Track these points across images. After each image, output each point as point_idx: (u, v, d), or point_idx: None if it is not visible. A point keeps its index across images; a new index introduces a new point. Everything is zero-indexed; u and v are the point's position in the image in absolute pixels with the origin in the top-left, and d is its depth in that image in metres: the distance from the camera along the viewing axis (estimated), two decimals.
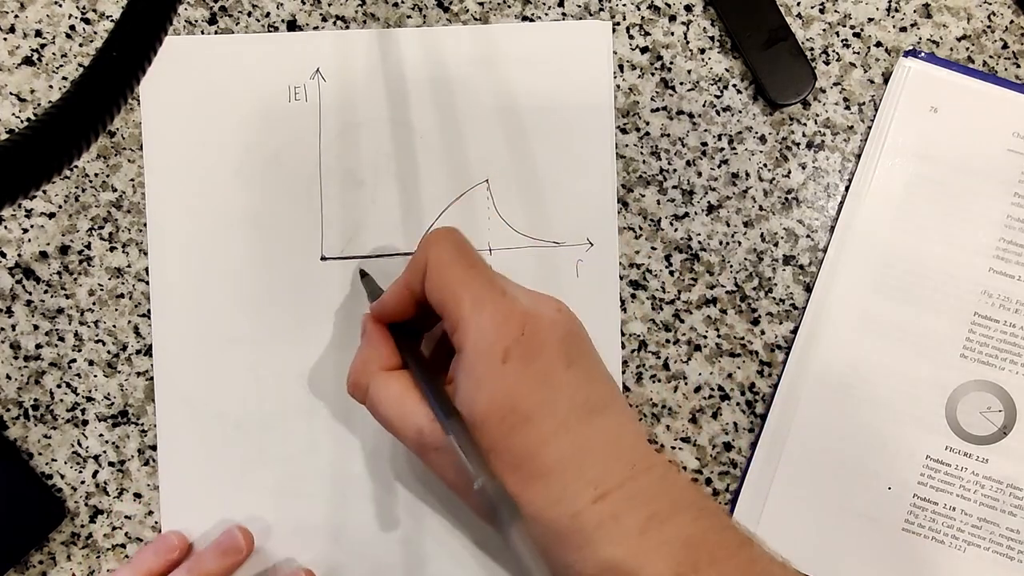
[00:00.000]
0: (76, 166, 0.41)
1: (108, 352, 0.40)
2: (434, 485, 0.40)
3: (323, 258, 0.41)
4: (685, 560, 0.28)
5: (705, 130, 0.42)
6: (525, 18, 0.42)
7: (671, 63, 0.42)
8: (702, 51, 0.42)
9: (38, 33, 0.41)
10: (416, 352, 0.34)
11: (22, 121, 0.41)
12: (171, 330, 0.40)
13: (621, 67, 0.42)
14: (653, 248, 0.41)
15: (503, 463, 0.28)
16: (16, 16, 0.41)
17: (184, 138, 0.41)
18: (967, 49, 0.42)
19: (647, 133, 0.42)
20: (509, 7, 0.42)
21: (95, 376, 0.40)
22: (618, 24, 0.42)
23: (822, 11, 0.42)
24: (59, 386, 0.40)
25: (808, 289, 0.41)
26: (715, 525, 0.29)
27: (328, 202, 0.41)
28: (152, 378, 0.40)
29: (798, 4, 0.42)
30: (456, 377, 0.30)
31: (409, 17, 0.42)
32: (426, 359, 0.34)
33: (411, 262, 0.33)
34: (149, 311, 0.40)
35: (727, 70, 0.42)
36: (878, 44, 0.42)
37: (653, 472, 0.30)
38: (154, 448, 0.40)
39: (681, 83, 0.42)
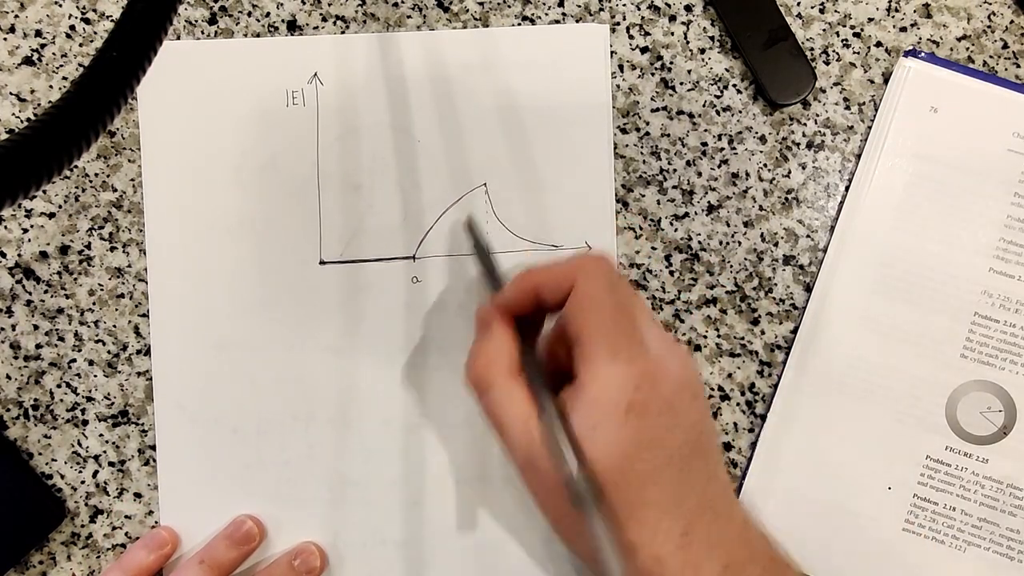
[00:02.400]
0: (76, 166, 0.41)
1: (108, 352, 0.40)
2: (432, 488, 0.40)
3: (322, 262, 0.41)
4: None
5: (705, 130, 0.42)
6: (525, 18, 0.42)
7: (671, 63, 0.42)
8: (702, 51, 0.42)
9: (38, 33, 0.41)
10: (537, 364, 0.33)
11: (22, 121, 0.41)
12: (169, 333, 0.40)
13: (621, 67, 0.42)
14: (653, 248, 0.41)
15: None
16: (16, 16, 0.41)
17: (182, 143, 0.41)
18: (967, 49, 0.42)
19: (647, 133, 0.42)
20: (509, 7, 0.42)
21: (95, 376, 0.40)
22: (618, 24, 0.42)
23: (822, 11, 0.42)
24: (59, 386, 0.40)
25: (808, 289, 0.41)
26: None
27: (326, 206, 0.41)
28: (152, 378, 0.40)
29: (798, 4, 0.42)
30: (571, 406, 0.31)
31: (409, 17, 0.42)
32: (545, 372, 0.34)
33: (552, 273, 0.33)
34: (149, 311, 0.40)
35: (727, 70, 0.42)
36: (878, 44, 0.42)
37: (734, 521, 0.31)
38: (154, 448, 0.40)
39: (681, 83, 0.42)
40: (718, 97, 0.42)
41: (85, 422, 0.40)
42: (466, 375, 0.33)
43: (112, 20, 0.41)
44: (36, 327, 0.40)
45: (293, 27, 0.41)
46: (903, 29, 0.42)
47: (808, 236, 0.41)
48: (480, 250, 0.38)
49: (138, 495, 0.40)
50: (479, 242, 0.39)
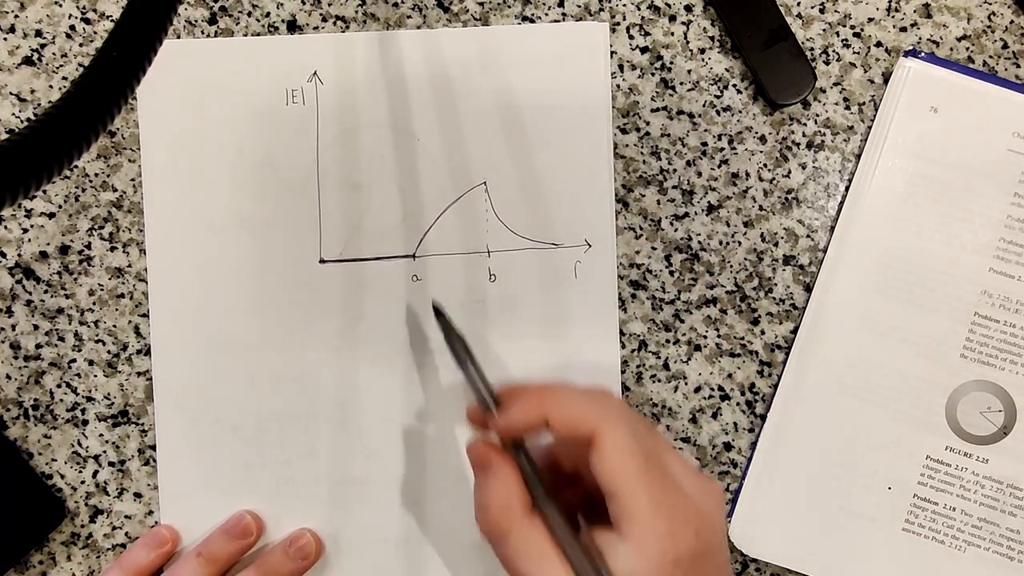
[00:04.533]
0: (76, 166, 0.41)
1: (108, 352, 0.40)
2: (432, 487, 0.40)
3: (321, 260, 0.41)
4: None
5: (705, 130, 0.42)
6: (525, 18, 0.42)
7: (671, 63, 0.42)
8: (702, 51, 0.42)
9: (38, 33, 0.41)
10: (552, 498, 0.32)
11: (22, 121, 0.41)
12: (170, 333, 0.40)
13: (621, 67, 0.42)
14: (653, 248, 0.41)
15: None
16: (16, 16, 0.41)
17: (182, 142, 0.41)
18: (967, 49, 0.42)
19: (647, 133, 0.42)
20: (509, 7, 0.42)
21: (95, 376, 0.40)
22: (618, 24, 0.42)
23: (822, 11, 0.42)
24: (59, 386, 0.40)
25: (808, 289, 0.41)
26: None
27: (326, 205, 0.41)
28: (152, 378, 0.40)
29: (798, 4, 0.42)
30: (610, 553, 0.30)
31: (409, 17, 0.42)
32: (561, 506, 0.32)
33: (567, 413, 0.31)
34: (149, 311, 0.40)
35: (727, 70, 0.42)
36: (878, 44, 0.42)
37: None
38: (154, 448, 0.40)
39: (681, 83, 0.42)
40: (718, 97, 0.42)
41: (85, 422, 0.40)
42: (480, 527, 0.32)
43: (112, 20, 0.41)
44: (36, 327, 0.40)
45: (293, 27, 0.41)
46: (903, 29, 0.42)
47: (808, 236, 0.41)
48: (455, 347, 0.34)
49: (138, 495, 0.40)
50: (452, 337, 0.35)
